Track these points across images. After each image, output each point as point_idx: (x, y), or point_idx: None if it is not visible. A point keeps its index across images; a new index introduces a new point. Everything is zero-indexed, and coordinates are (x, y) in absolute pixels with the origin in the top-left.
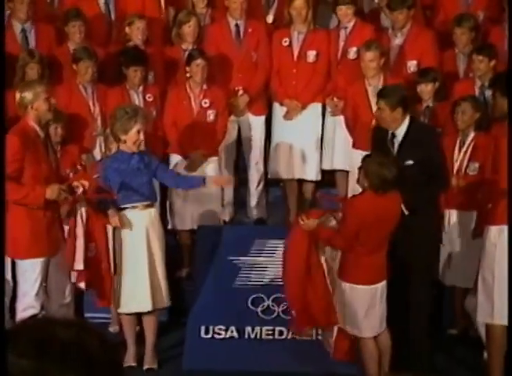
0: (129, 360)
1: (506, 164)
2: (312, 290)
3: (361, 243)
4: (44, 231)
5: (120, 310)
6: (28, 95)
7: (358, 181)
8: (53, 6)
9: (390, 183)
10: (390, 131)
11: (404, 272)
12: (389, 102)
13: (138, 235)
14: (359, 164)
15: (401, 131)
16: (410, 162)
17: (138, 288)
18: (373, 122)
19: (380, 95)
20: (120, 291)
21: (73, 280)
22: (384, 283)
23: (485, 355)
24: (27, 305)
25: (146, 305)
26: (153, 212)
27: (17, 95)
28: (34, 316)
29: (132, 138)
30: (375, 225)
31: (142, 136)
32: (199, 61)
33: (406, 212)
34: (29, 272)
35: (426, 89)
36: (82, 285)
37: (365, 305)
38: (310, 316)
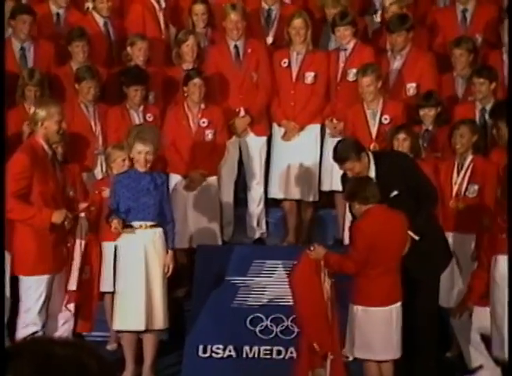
0: None
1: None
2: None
3: (372, 265)
4: (50, 248)
5: (115, 327)
6: (42, 112)
7: (352, 215)
8: (58, 25)
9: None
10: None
11: (408, 297)
12: (353, 157)
13: (138, 254)
14: None
15: (372, 172)
16: (395, 193)
17: (133, 307)
18: (372, 146)
19: (341, 159)
20: (116, 308)
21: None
22: (398, 304)
23: None
24: (29, 321)
25: (138, 325)
26: (158, 233)
27: (31, 110)
28: (34, 334)
29: (134, 157)
30: (383, 244)
31: (143, 157)
32: (196, 80)
33: (416, 237)
34: (33, 289)
35: (429, 114)
36: (71, 307)
37: (381, 328)
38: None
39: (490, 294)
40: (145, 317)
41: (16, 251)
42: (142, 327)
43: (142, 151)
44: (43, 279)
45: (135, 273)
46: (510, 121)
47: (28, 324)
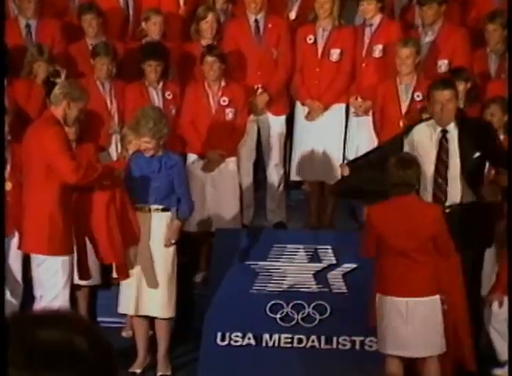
0: (135, 367)
1: None
2: None
3: (382, 252)
4: (70, 226)
5: (119, 310)
6: (72, 92)
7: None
8: (73, 1)
9: (395, 186)
10: (439, 129)
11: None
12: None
13: (144, 239)
14: None
15: (452, 127)
16: (477, 154)
17: (131, 291)
18: (401, 123)
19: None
20: (120, 290)
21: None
22: (415, 300)
23: None
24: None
25: (127, 308)
26: (165, 217)
27: (58, 89)
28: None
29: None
30: (393, 234)
31: (142, 146)
32: (208, 58)
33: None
34: (61, 272)
35: (458, 89)
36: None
37: (388, 317)
38: None
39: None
40: (145, 302)
41: (39, 230)
42: (129, 312)
43: (132, 140)
44: (69, 259)
45: (140, 258)
46: (510, 120)
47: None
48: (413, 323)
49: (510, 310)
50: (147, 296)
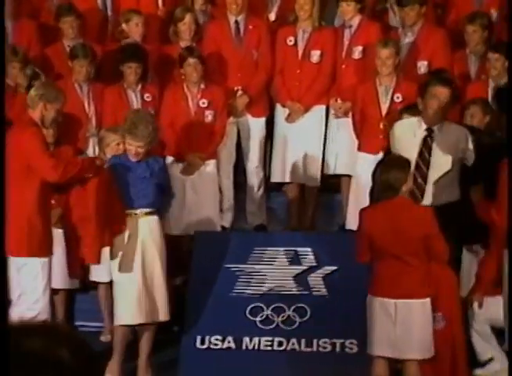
0: (111, 372)
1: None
2: None
3: (374, 255)
4: (49, 228)
5: (117, 322)
6: (48, 94)
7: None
8: (52, 1)
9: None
10: (424, 127)
11: None
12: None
13: (134, 244)
14: (364, 167)
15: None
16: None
17: (134, 299)
18: (381, 124)
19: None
20: (116, 301)
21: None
22: (404, 302)
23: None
24: (39, 311)
25: (139, 318)
26: (155, 220)
27: (33, 91)
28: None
29: (127, 146)
30: (383, 236)
31: (134, 150)
32: (190, 61)
33: None
34: (41, 274)
35: None
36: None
37: (375, 318)
38: None
39: (502, 286)
40: (145, 310)
41: (18, 232)
42: (142, 320)
43: (132, 144)
44: (48, 261)
45: (133, 265)
46: (509, 119)
47: (38, 314)
48: (402, 324)
49: (510, 310)
50: (158, 302)
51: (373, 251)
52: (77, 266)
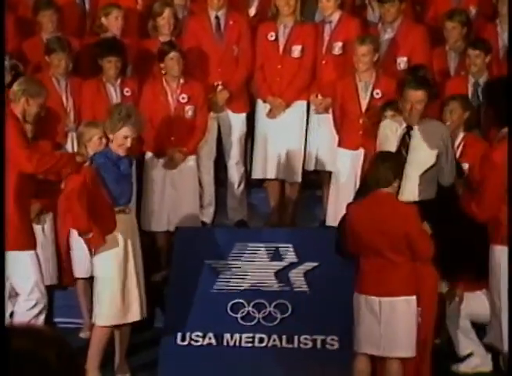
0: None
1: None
2: None
3: (358, 251)
4: (30, 221)
5: (100, 323)
6: (33, 89)
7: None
8: None
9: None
10: (404, 125)
11: None
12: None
13: (121, 242)
14: (344, 163)
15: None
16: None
17: (116, 299)
18: (361, 120)
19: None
20: (99, 300)
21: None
22: (388, 300)
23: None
24: (35, 300)
25: (122, 318)
26: (133, 218)
27: (16, 86)
28: (41, 312)
29: (118, 141)
30: (366, 232)
31: (128, 142)
32: (172, 54)
33: None
34: (33, 265)
35: None
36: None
37: (361, 315)
38: None
39: (489, 282)
40: (126, 309)
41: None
42: (125, 320)
43: (129, 136)
44: (35, 253)
45: (117, 262)
46: (509, 117)
47: (35, 304)
48: (386, 322)
49: (510, 309)
50: (137, 300)
51: (358, 247)
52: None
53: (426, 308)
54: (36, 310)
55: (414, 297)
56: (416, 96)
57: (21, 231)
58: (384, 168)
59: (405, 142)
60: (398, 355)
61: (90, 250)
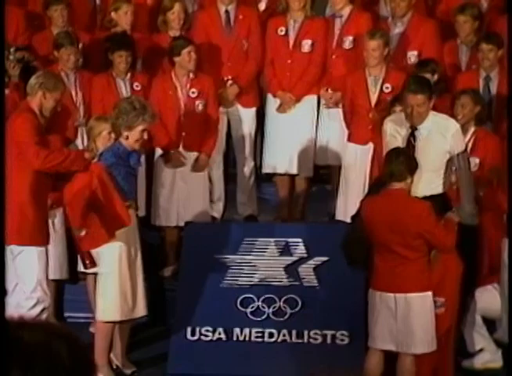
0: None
1: None
2: None
3: (373, 247)
4: (45, 217)
5: (104, 318)
6: (50, 83)
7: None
8: None
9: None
10: (408, 125)
11: None
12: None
13: (124, 237)
14: (353, 158)
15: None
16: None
17: (120, 294)
18: (371, 114)
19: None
20: (102, 294)
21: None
22: (403, 296)
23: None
24: (38, 299)
25: (127, 313)
26: (135, 213)
27: (33, 79)
28: (43, 311)
29: (136, 136)
30: (380, 228)
31: (145, 136)
32: (189, 48)
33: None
34: (39, 262)
35: None
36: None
37: (377, 311)
38: None
39: (501, 276)
40: (131, 305)
41: (11, 220)
42: (130, 316)
43: (145, 130)
44: (44, 250)
45: (120, 256)
46: (510, 117)
47: (37, 303)
48: (402, 318)
49: (510, 309)
50: (140, 297)
51: (371, 243)
52: (89, 256)
53: (450, 297)
54: (37, 309)
55: (429, 293)
56: (417, 100)
57: (34, 226)
58: (397, 163)
59: (410, 145)
60: (416, 351)
61: (79, 247)
